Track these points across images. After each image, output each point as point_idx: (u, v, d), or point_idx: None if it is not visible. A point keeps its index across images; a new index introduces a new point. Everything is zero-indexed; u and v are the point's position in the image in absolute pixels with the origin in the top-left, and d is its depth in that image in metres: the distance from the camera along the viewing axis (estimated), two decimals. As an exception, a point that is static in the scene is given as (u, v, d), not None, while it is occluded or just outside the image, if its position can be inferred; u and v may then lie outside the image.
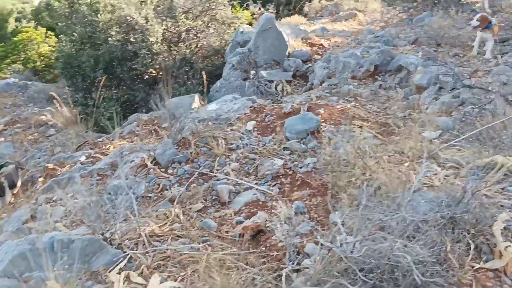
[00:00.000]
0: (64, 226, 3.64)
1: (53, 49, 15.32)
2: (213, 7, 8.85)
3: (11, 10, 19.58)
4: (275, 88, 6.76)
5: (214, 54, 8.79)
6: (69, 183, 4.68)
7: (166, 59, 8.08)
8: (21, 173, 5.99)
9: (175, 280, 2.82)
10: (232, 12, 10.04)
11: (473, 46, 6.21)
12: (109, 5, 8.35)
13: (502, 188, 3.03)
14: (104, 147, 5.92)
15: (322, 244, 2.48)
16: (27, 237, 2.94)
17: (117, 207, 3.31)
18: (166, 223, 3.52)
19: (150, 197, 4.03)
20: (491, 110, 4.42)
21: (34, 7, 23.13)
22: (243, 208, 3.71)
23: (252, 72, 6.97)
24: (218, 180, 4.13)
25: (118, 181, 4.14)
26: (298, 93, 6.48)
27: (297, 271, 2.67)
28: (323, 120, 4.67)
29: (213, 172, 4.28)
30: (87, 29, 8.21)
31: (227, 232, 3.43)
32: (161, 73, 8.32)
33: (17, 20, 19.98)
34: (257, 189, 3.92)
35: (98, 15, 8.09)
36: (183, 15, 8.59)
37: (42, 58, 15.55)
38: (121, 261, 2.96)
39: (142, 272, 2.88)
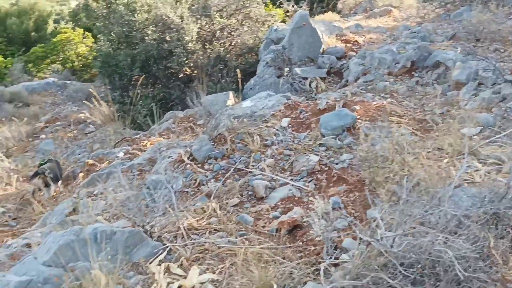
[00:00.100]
0: (105, 219, 3.75)
1: (90, 49, 15.74)
2: (247, 5, 8.89)
3: (50, 12, 20.16)
4: (309, 85, 6.74)
5: (248, 52, 8.83)
6: (109, 178, 4.81)
7: (201, 58, 8.17)
8: (62, 169, 6.20)
9: (214, 273, 2.88)
10: (265, 10, 10.06)
11: (515, 40, 6.03)
12: (145, 5, 8.52)
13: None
14: (141, 143, 6.06)
15: (361, 239, 2.47)
16: (72, 228, 3.05)
17: (156, 201, 3.39)
18: (203, 217, 3.58)
19: (187, 191, 4.10)
20: (534, 106, 4.30)
21: (71, 9, 23.78)
22: (279, 203, 3.74)
23: (286, 69, 6.97)
24: (253, 175, 4.16)
25: (156, 176, 4.23)
26: (333, 90, 6.44)
27: (335, 265, 2.68)
28: (358, 117, 4.64)
29: (248, 168, 4.31)
30: (124, 29, 8.39)
31: (263, 226, 3.47)
32: (195, 71, 8.43)
33: (56, 21, 20.58)
34: (292, 185, 3.94)
35: (135, 15, 8.26)
36: (218, 14, 8.67)
37: (79, 58, 15.98)
38: (161, 253, 3.04)
39: (181, 264, 2.95)
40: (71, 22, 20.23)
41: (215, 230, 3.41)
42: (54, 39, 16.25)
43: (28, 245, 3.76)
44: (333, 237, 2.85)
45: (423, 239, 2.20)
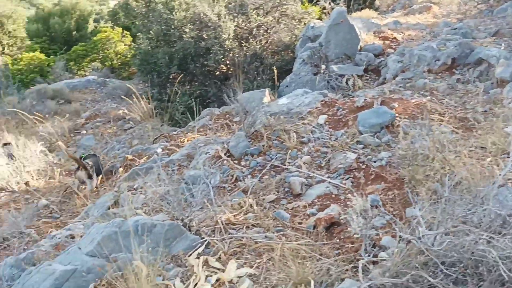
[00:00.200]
0: (144, 213, 3.84)
1: (129, 47, 16.08)
2: (283, 2, 8.89)
3: (91, 12, 20.71)
4: (346, 82, 6.67)
5: (284, 50, 8.83)
6: (148, 172, 4.92)
7: (237, 55, 8.23)
8: (102, 163, 6.38)
9: (251, 267, 2.90)
10: (302, 7, 10.02)
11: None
12: (183, 3, 8.64)
13: None
14: (178, 139, 6.16)
15: (400, 237, 2.45)
16: (114, 220, 3.14)
17: (195, 196, 3.45)
18: (240, 212, 3.62)
19: (224, 187, 4.15)
20: None
21: (110, 8, 24.36)
22: (316, 200, 3.73)
23: (323, 66, 6.93)
24: (290, 172, 4.17)
25: (194, 171, 4.30)
26: (370, 87, 6.37)
27: (373, 263, 2.66)
28: (397, 114, 4.57)
29: (285, 165, 4.33)
30: (163, 27, 8.55)
31: (300, 223, 3.47)
32: (231, 69, 8.50)
33: (95, 21, 21.11)
34: (329, 182, 3.93)
35: (173, 13, 8.39)
36: (254, 11, 8.71)
37: (118, 56, 16.35)
38: (199, 247, 3.09)
39: (219, 258, 2.99)
40: (110, 21, 20.72)
41: (252, 225, 3.44)
42: (94, 38, 16.68)
43: (72, 236, 3.89)
44: (371, 234, 2.83)
45: (465, 238, 2.15)
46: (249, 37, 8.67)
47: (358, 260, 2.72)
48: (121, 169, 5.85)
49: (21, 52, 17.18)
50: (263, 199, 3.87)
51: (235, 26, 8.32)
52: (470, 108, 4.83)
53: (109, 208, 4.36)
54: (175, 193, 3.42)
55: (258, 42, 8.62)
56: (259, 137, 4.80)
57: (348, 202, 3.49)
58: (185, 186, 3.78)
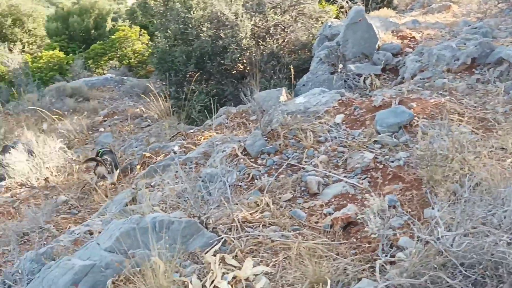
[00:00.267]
0: (161, 210, 3.87)
1: (146, 46, 16.20)
2: (301, 1, 8.86)
3: (109, 10, 20.92)
4: (364, 81, 6.63)
5: (301, 48, 8.80)
6: (165, 170, 4.96)
7: (254, 54, 8.23)
8: (120, 160, 6.46)
9: (267, 265, 2.91)
10: (319, 6, 9.98)
11: None
12: (201, 2, 8.67)
13: None
14: (195, 138, 6.19)
15: (418, 237, 2.43)
16: (132, 216, 3.17)
17: (212, 194, 3.46)
18: (257, 211, 3.63)
19: (241, 185, 4.17)
20: None
21: (128, 7, 24.60)
22: (332, 200, 3.73)
23: (340, 65, 6.90)
24: (306, 171, 4.17)
25: (211, 169, 4.32)
26: (388, 86, 6.32)
27: (391, 263, 2.65)
28: (415, 114, 4.53)
29: (301, 164, 4.32)
30: (180, 26, 8.58)
31: (316, 222, 3.47)
32: (248, 68, 8.50)
33: (113, 19, 21.32)
34: (346, 181, 3.91)
35: (191, 12, 8.42)
36: (272, 10, 8.70)
37: (136, 54, 16.50)
38: (216, 244, 3.11)
39: (236, 256, 3.00)
40: (128, 20, 20.92)
41: (269, 224, 3.45)
42: (112, 37, 16.86)
43: (90, 232, 3.95)
44: (388, 235, 2.81)
45: (485, 239, 2.13)
46: (266, 36, 8.66)
47: (375, 260, 2.71)
48: (138, 166, 5.90)
49: (41, 50, 17.45)
50: (280, 197, 3.87)
51: (252, 25, 8.32)
52: (490, 108, 4.76)
53: (127, 205, 4.40)
54: (192, 190, 3.45)
55: (275, 41, 8.61)
56: (275, 136, 4.81)
57: (365, 202, 3.47)
58: (202, 184, 3.80)
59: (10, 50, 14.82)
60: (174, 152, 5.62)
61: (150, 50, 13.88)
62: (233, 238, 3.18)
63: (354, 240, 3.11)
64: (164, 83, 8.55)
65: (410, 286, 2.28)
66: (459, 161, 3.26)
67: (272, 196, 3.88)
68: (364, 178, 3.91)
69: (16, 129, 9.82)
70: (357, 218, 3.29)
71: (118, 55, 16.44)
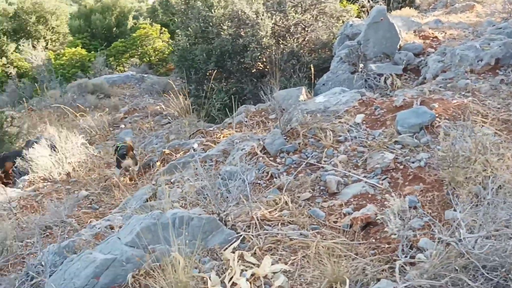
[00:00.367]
0: (181, 206, 3.91)
1: (167, 44, 16.34)
2: (322, 0, 8.83)
3: (130, 8, 21.16)
4: (385, 81, 6.58)
5: (321, 48, 8.78)
6: (185, 167, 5.00)
7: (274, 53, 8.23)
8: (139, 157, 6.53)
9: (286, 263, 2.92)
10: (340, 5, 9.93)
11: None
12: (222, 1, 8.71)
13: None
14: (215, 135, 6.22)
15: (439, 239, 2.41)
16: (153, 212, 3.21)
17: (231, 191, 3.48)
18: (275, 209, 3.64)
19: (259, 183, 4.18)
20: None
21: (149, 5, 24.83)
22: (352, 199, 3.71)
23: (361, 65, 6.85)
24: (325, 171, 4.16)
25: (230, 167, 4.34)
26: (409, 87, 6.25)
27: (411, 264, 2.63)
28: (437, 115, 4.48)
29: (320, 163, 4.31)
30: (201, 24, 8.63)
31: (335, 222, 3.46)
32: (268, 67, 8.51)
33: (135, 17, 21.54)
34: (366, 182, 3.89)
35: (212, 11, 8.47)
36: (292, 9, 8.69)
37: (156, 52, 16.66)
38: (235, 241, 3.13)
39: (254, 253, 3.02)
40: (149, 18, 21.12)
41: (287, 222, 3.45)
42: (133, 35, 17.05)
43: (111, 227, 4.00)
44: (408, 235, 2.80)
45: (508, 242, 2.10)
46: (287, 35, 8.65)
47: (394, 260, 2.70)
48: (158, 163, 5.97)
49: (64, 48, 17.76)
50: (298, 196, 3.87)
51: (272, 23, 8.33)
52: (514, 110, 4.68)
53: (147, 201, 4.46)
54: (212, 188, 3.47)
55: (295, 40, 8.60)
56: (295, 135, 4.81)
57: (385, 203, 3.45)
58: (221, 182, 3.82)
59: (33, 47, 15.09)
60: (194, 150, 5.66)
61: (170, 48, 14.01)
62: (252, 235, 3.19)
63: (373, 240, 3.10)
64: (184, 81, 8.61)
65: (430, 288, 2.26)
66: (482, 163, 3.21)
67: (291, 195, 3.89)
68: (384, 179, 3.88)
69: (39, 125, 10.03)
70: (376, 218, 3.27)
71: (139, 53, 16.62)
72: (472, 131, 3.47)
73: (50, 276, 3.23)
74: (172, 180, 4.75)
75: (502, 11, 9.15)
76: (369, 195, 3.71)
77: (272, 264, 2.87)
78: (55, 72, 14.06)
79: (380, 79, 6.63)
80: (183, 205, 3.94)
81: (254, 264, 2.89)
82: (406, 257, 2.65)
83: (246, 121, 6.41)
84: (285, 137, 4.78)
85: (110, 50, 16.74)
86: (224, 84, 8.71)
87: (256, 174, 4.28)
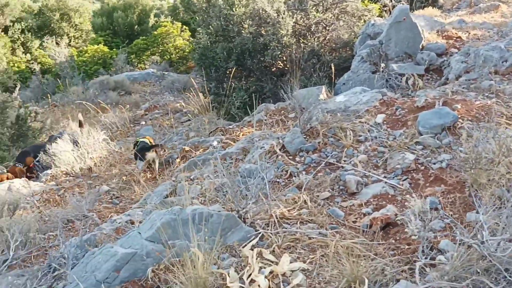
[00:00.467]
0: (200, 203, 3.94)
1: (188, 42, 16.43)
2: (344, -1, 8.78)
3: (152, 7, 21.33)
4: (406, 81, 6.51)
5: (342, 47, 8.72)
6: (204, 164, 5.04)
7: (295, 52, 8.21)
8: (160, 154, 6.59)
9: (304, 262, 2.92)
10: (362, 5, 9.85)
11: None
12: (243, -1, 8.73)
13: None
14: (234, 133, 6.25)
15: (461, 241, 2.38)
16: (173, 208, 3.24)
17: (250, 189, 3.50)
18: (294, 208, 3.64)
19: (278, 182, 4.19)
20: None
21: (170, 3, 25.03)
22: (371, 200, 3.70)
23: (382, 65, 6.79)
24: (345, 170, 4.15)
25: (249, 165, 4.36)
26: (431, 87, 6.18)
27: (431, 266, 2.61)
28: (460, 116, 4.42)
29: (340, 163, 4.30)
30: (222, 23, 8.66)
31: (354, 222, 3.45)
32: (288, 65, 8.49)
33: (156, 15, 21.71)
34: (386, 182, 3.87)
35: (233, 9, 8.49)
36: (314, 8, 8.65)
37: (177, 50, 16.75)
38: (254, 239, 3.15)
39: (273, 251, 3.03)
40: (170, 16, 21.28)
41: (306, 221, 3.46)
42: (155, 32, 17.18)
43: (131, 222, 4.06)
44: (429, 237, 2.77)
45: (532, 245, 2.07)
46: (307, 34, 8.62)
47: (414, 261, 2.68)
48: (178, 159, 6.02)
49: (86, 45, 18.02)
50: (317, 195, 3.87)
51: (293, 22, 8.31)
52: (539, 112, 4.59)
53: (167, 197, 4.50)
54: (231, 185, 3.49)
55: (316, 39, 8.56)
56: (314, 134, 4.80)
57: (405, 203, 3.43)
58: (241, 179, 3.84)
59: (57, 43, 15.35)
60: (213, 147, 5.69)
61: (191, 46, 14.08)
62: (271, 233, 3.21)
63: (393, 241, 3.08)
64: (204, 79, 8.65)
65: (450, 290, 2.24)
66: (506, 165, 3.16)
67: (310, 194, 3.89)
68: (405, 179, 3.85)
69: (62, 120, 10.20)
70: (396, 219, 3.26)
71: (159, 51, 16.74)
72: (496, 133, 3.42)
73: (71, 268, 3.29)
74: (191, 177, 4.79)
75: (528, 11, 8.99)
76: (389, 196, 3.69)
77: (290, 262, 2.87)
78: (78, 69, 14.27)
79: (401, 79, 6.57)
80: (203, 201, 3.97)
81: (272, 262, 2.90)
82: (426, 258, 2.63)
83: (266, 120, 6.42)
84: (305, 136, 4.77)
85: (132, 47, 16.90)
86: (244, 82, 8.73)
87: (275, 172, 4.29)
